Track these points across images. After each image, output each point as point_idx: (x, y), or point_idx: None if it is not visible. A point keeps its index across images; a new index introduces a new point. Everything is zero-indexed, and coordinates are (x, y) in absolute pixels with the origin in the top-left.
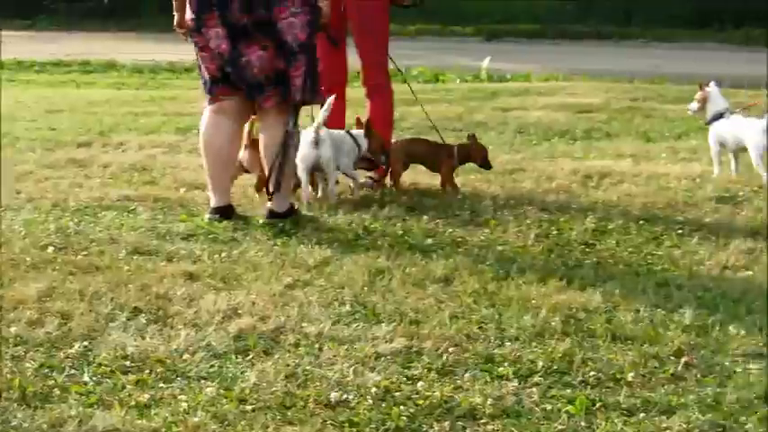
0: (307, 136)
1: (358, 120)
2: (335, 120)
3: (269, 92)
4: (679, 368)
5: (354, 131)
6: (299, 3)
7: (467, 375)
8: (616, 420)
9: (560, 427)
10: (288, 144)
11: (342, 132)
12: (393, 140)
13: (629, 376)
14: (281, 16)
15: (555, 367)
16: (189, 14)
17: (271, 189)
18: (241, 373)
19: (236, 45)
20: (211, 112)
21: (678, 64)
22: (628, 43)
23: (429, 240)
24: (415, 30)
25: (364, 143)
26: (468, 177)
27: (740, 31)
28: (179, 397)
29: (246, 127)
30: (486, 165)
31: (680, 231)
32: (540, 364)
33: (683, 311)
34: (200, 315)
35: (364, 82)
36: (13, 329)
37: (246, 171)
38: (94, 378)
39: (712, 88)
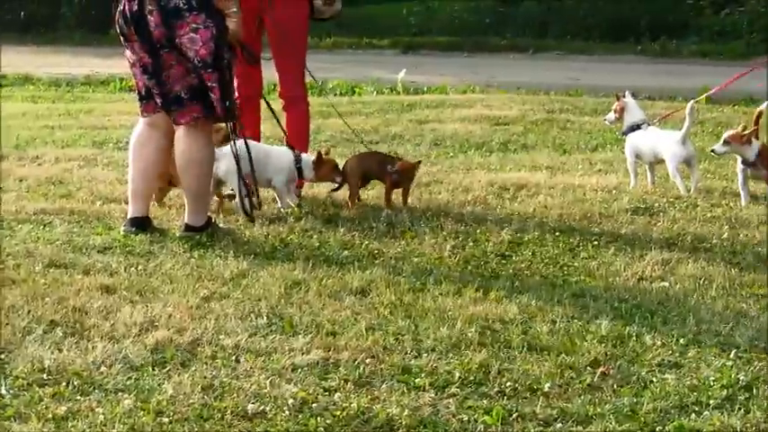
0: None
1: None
2: (249, 133)
3: (189, 106)
4: (595, 378)
5: (304, 155)
6: (201, 19)
7: (384, 386)
8: (533, 431)
9: None
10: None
11: (279, 148)
12: (348, 157)
13: (546, 387)
14: (180, 33)
15: (471, 378)
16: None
17: (248, 209)
18: (158, 385)
19: (157, 59)
20: (144, 124)
21: (595, 76)
22: (544, 55)
23: (345, 252)
24: (331, 42)
25: (310, 170)
26: (383, 190)
27: (656, 44)
28: (96, 409)
29: None
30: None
31: (596, 242)
32: (457, 374)
33: (599, 322)
34: (117, 328)
35: (281, 94)
36: None
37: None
38: (11, 391)
39: (628, 99)
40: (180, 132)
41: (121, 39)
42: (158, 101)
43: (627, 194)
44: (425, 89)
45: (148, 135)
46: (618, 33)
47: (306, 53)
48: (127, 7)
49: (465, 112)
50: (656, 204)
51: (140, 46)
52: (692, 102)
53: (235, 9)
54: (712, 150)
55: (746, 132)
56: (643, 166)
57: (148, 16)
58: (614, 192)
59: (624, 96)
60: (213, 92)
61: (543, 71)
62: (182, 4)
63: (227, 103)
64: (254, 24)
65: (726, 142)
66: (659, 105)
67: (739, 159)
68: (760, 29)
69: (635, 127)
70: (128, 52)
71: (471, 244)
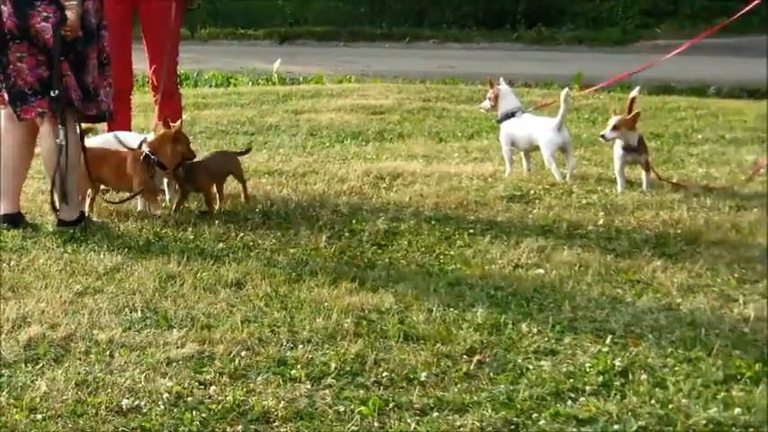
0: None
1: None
2: (121, 127)
3: (32, 102)
4: (472, 367)
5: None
6: (52, 9)
7: (259, 379)
8: (409, 420)
9: (353, 428)
10: (59, 156)
11: (129, 135)
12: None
13: (422, 376)
14: (32, 22)
15: (347, 368)
16: None
17: (56, 204)
18: (31, 381)
19: (5, 51)
20: (4, 118)
21: (471, 64)
22: (420, 44)
23: (220, 245)
24: (206, 33)
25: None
26: (259, 181)
27: (532, 31)
28: None
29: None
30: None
31: (472, 231)
32: (333, 365)
33: (475, 310)
34: None
35: (153, 87)
36: None
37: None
38: None
39: (503, 86)
40: (43, 128)
41: None
42: (5, 95)
43: (503, 182)
44: (301, 79)
45: (8, 129)
46: (494, 21)
47: (178, 45)
48: None
49: (341, 102)
50: (532, 192)
51: None
52: (566, 89)
53: (74, 1)
54: (602, 136)
55: (632, 117)
56: (519, 153)
57: (2, 6)
58: (490, 179)
59: (499, 84)
60: (66, 80)
61: (419, 60)
62: None
63: (54, 92)
64: (125, 15)
65: (615, 127)
66: (535, 93)
67: (620, 145)
68: (635, 15)
69: (510, 114)
70: None
71: (347, 234)
